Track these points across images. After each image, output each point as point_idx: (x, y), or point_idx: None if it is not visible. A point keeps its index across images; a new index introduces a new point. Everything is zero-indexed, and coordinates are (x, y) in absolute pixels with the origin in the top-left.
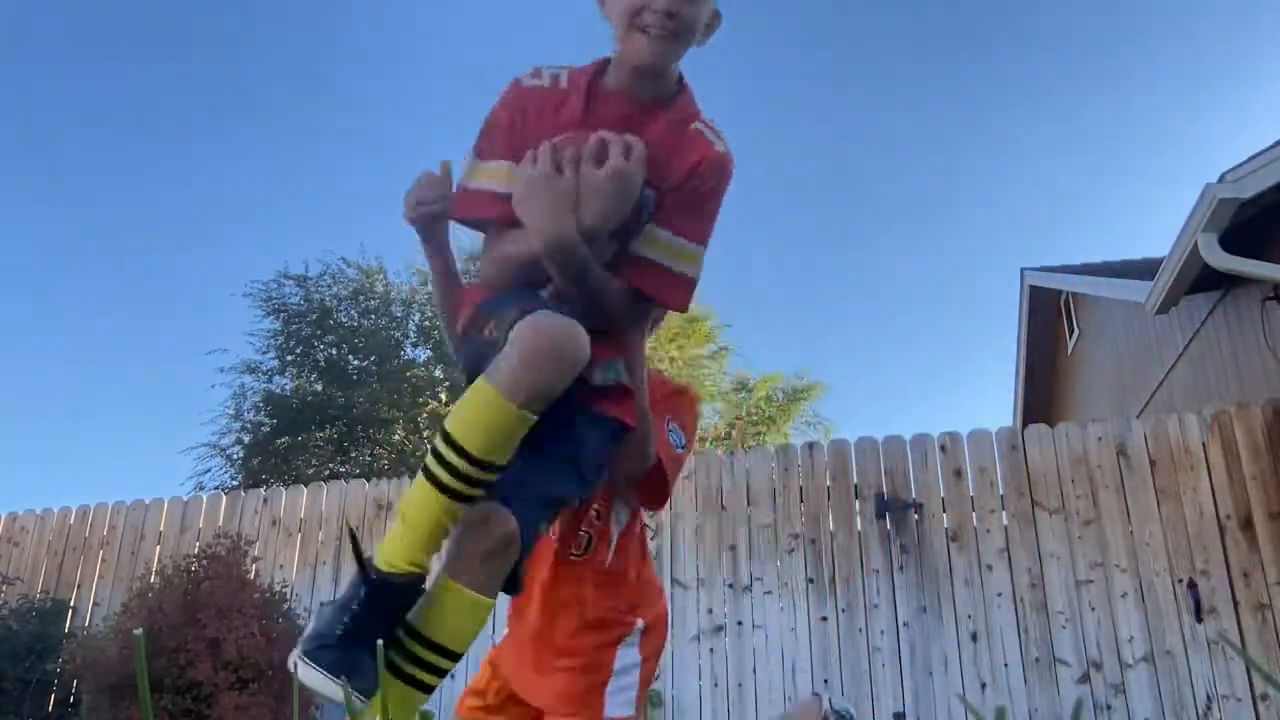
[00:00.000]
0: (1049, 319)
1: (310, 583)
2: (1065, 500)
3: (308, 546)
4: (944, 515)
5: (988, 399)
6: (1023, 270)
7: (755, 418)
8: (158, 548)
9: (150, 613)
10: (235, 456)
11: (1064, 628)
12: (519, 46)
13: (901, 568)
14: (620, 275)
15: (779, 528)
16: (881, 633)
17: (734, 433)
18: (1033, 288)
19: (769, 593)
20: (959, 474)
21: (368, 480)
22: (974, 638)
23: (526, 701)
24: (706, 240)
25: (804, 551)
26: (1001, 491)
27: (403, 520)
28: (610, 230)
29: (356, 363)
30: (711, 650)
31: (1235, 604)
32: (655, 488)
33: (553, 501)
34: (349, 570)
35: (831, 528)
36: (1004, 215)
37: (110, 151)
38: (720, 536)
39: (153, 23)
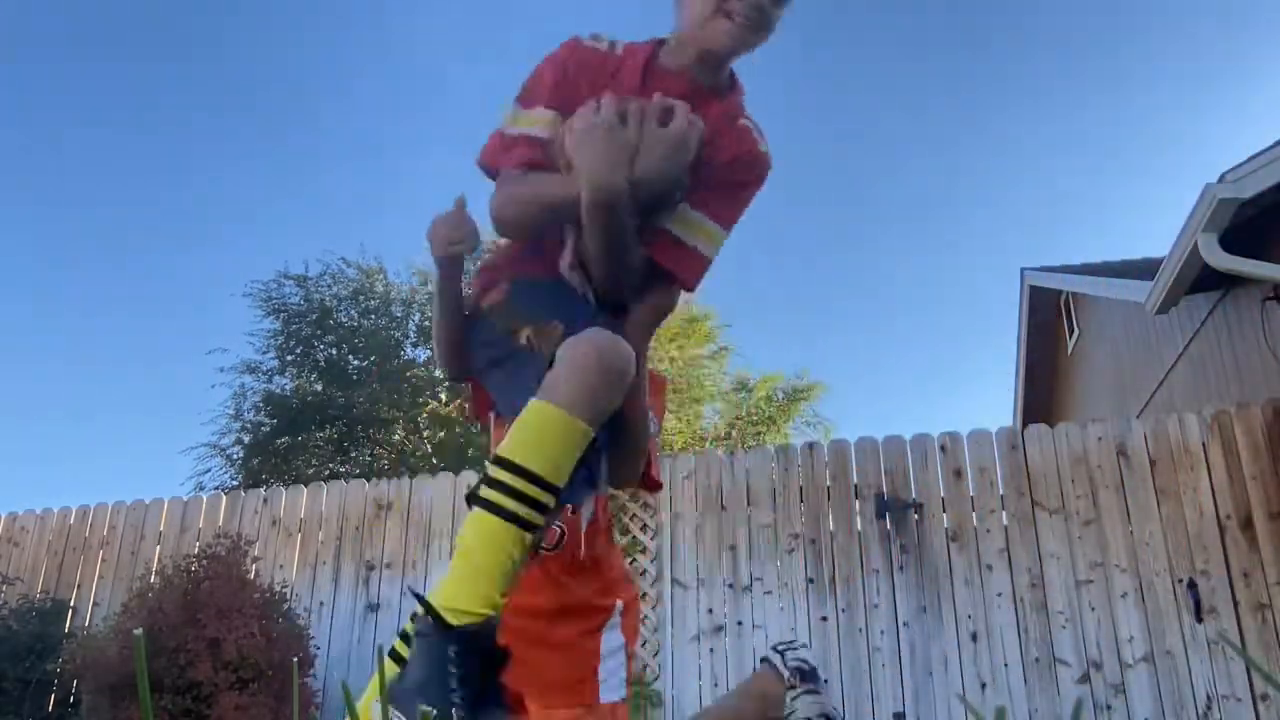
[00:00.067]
0: (1049, 319)
1: (310, 583)
2: (1065, 500)
3: (308, 546)
4: (944, 515)
5: (988, 399)
6: (1023, 270)
7: (755, 418)
8: (158, 548)
9: (150, 613)
10: (235, 456)
11: (1064, 628)
12: (519, 46)
13: (901, 568)
14: (643, 246)
15: (779, 528)
16: (881, 633)
17: (734, 433)
18: (1033, 288)
19: (769, 593)
20: (959, 474)
21: (368, 480)
22: (974, 638)
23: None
24: (730, 228)
25: (804, 551)
26: (1001, 491)
27: (467, 562)
28: (648, 196)
29: (356, 363)
30: (711, 650)
31: (1235, 604)
32: (642, 474)
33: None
34: (349, 570)
35: (831, 528)
36: (1004, 215)
37: (110, 151)
38: (720, 536)
39: (153, 23)
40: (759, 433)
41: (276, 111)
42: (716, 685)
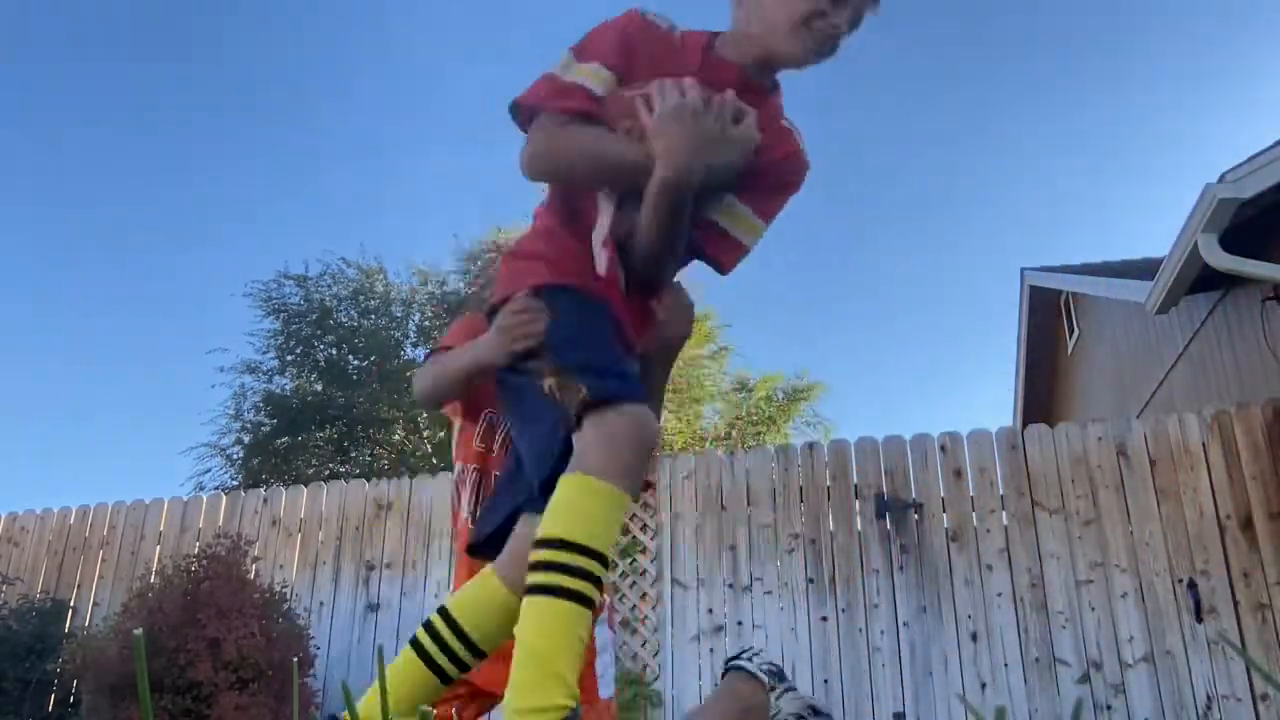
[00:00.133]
0: (1049, 319)
1: (310, 583)
2: (1065, 500)
3: (308, 546)
4: (944, 515)
5: (988, 399)
6: (1023, 270)
7: (755, 418)
8: (158, 548)
9: (150, 613)
10: (235, 456)
11: (1064, 628)
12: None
13: (901, 568)
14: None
15: (779, 528)
16: (881, 633)
17: (734, 433)
18: (1033, 288)
19: (769, 593)
20: (959, 474)
21: (368, 480)
22: (974, 638)
23: (493, 692)
24: (769, 225)
25: (804, 551)
26: (1001, 491)
27: (540, 657)
28: (707, 187)
29: (356, 363)
30: (711, 650)
31: (1235, 604)
32: None
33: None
34: (349, 570)
35: (831, 528)
36: (1004, 215)
37: (110, 151)
38: (720, 536)
39: (153, 23)
40: (759, 433)
41: (276, 111)
42: (716, 685)
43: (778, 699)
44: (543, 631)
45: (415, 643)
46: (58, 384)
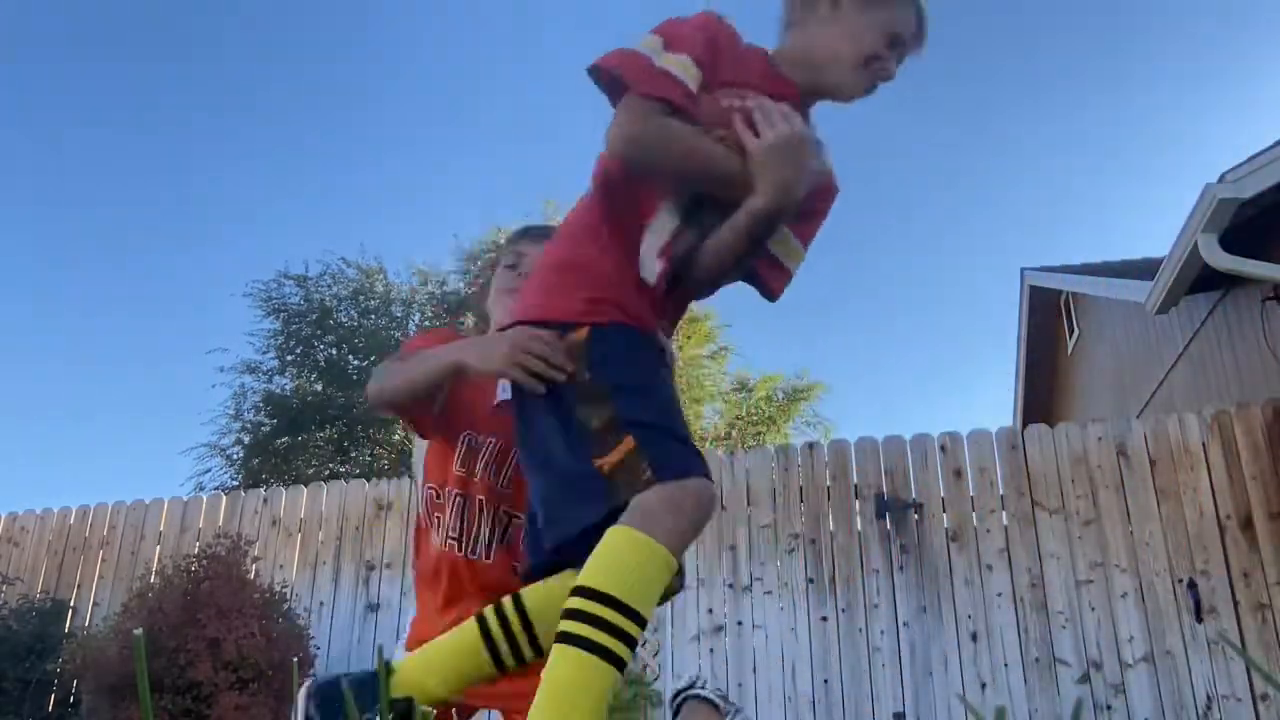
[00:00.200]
0: (1049, 319)
1: (310, 583)
2: (1065, 500)
3: (308, 546)
4: (944, 515)
5: (988, 399)
6: (1023, 270)
7: (755, 418)
8: (158, 548)
9: (150, 613)
10: (235, 457)
11: (1064, 628)
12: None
13: (901, 568)
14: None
15: (779, 528)
16: (881, 633)
17: (734, 433)
18: (1033, 288)
19: (769, 593)
20: (959, 474)
21: (368, 480)
22: (974, 638)
23: (473, 705)
24: (808, 247)
25: (804, 551)
26: (1001, 491)
27: (558, 710)
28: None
29: (356, 363)
30: (711, 650)
31: (1235, 604)
32: None
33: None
34: (349, 570)
35: (831, 528)
36: (1004, 215)
37: (110, 151)
38: (720, 536)
39: (153, 23)
40: (759, 433)
41: (276, 111)
42: (717, 685)
43: None
44: (570, 684)
45: (481, 621)
46: (58, 384)
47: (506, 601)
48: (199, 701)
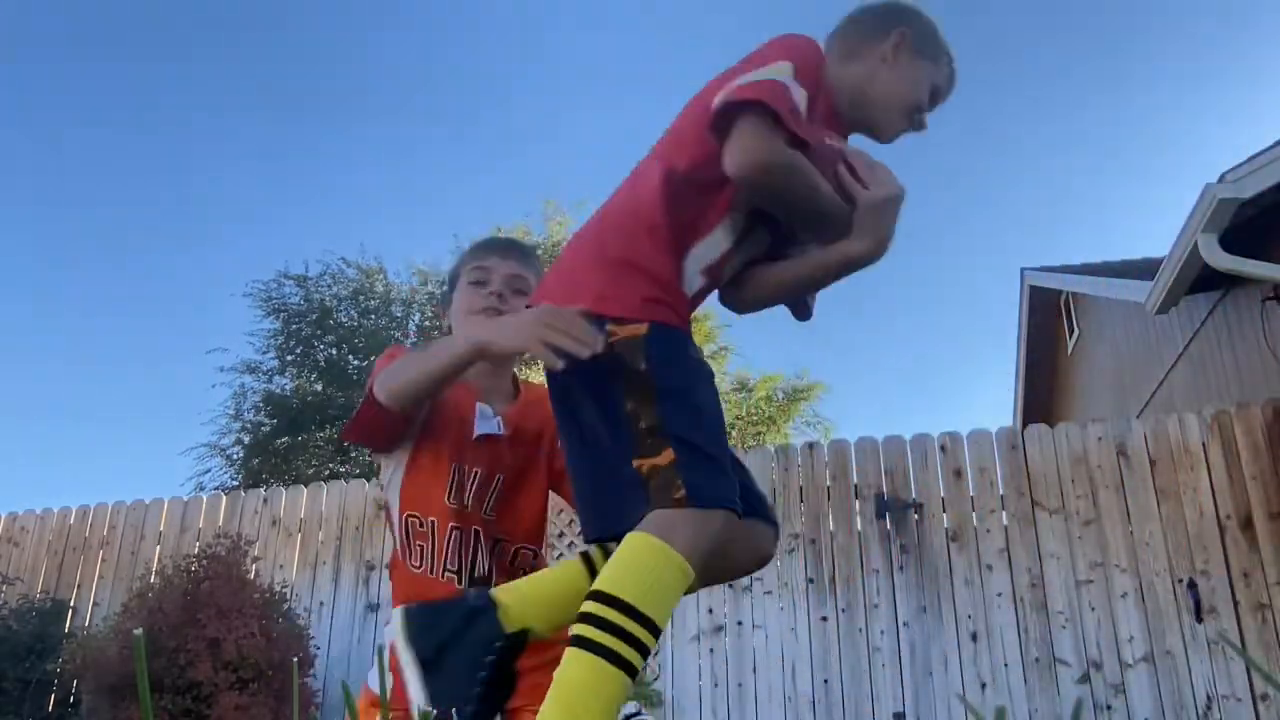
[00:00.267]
0: (1049, 319)
1: (310, 583)
2: (1065, 500)
3: (308, 546)
4: (944, 515)
5: (988, 399)
6: (1023, 270)
7: (755, 418)
8: (158, 548)
9: (150, 613)
10: (235, 457)
11: (1064, 628)
12: (517, 47)
13: (901, 568)
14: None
15: (779, 528)
16: (881, 633)
17: (734, 433)
18: (1033, 288)
19: (769, 593)
20: (959, 474)
21: (368, 480)
22: (974, 638)
23: None
24: None
25: (804, 551)
26: (1001, 491)
27: (569, 714)
28: None
29: (356, 363)
30: (711, 650)
31: (1235, 604)
32: None
33: None
34: (349, 570)
35: (831, 528)
36: (1004, 215)
37: (110, 151)
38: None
39: (153, 23)
40: (759, 433)
41: (276, 111)
42: (716, 685)
43: None
44: (581, 688)
45: (586, 558)
46: (58, 384)
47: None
48: (199, 701)
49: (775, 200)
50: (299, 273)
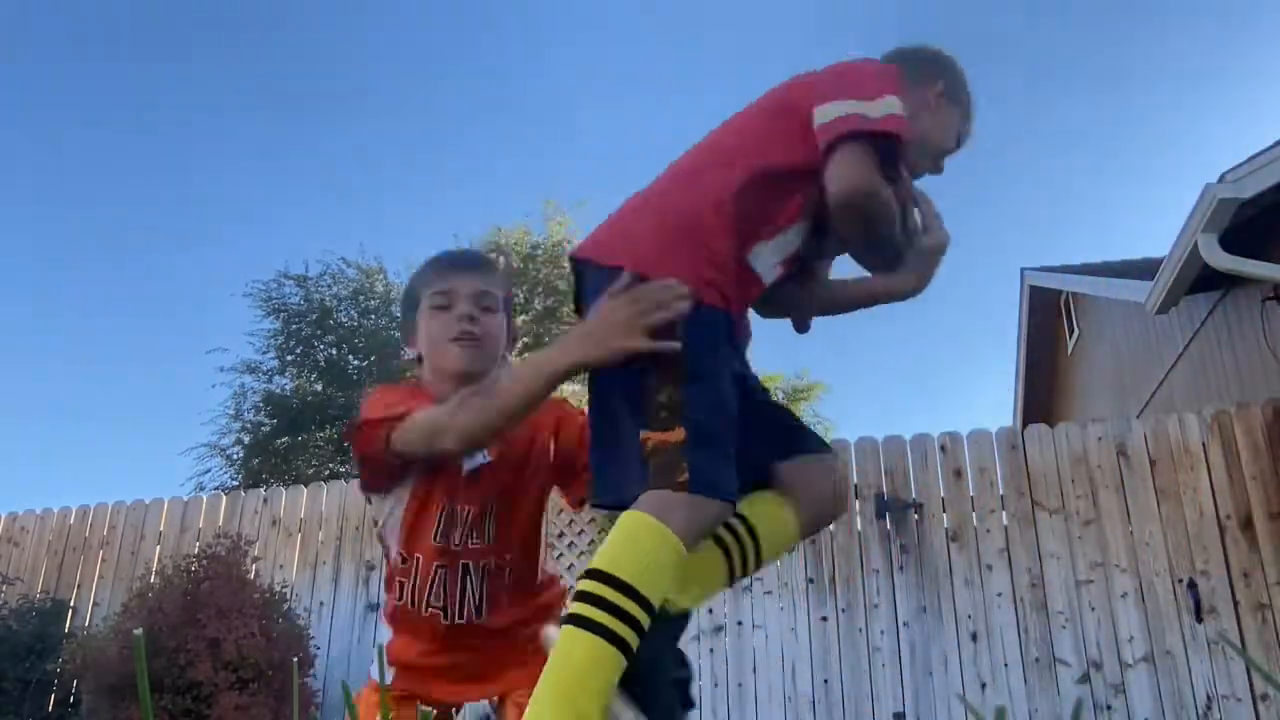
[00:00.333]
0: (1049, 319)
1: (310, 583)
2: (1065, 500)
3: (308, 546)
4: (944, 515)
5: (988, 399)
6: (1023, 270)
7: None
8: (158, 548)
9: (150, 613)
10: (235, 457)
11: (1064, 628)
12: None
13: (901, 568)
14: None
15: None
16: (881, 633)
17: None
18: (1033, 288)
19: (769, 593)
20: (959, 474)
21: None
22: (974, 638)
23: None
24: None
25: (804, 551)
26: (1001, 491)
27: (562, 694)
28: None
29: (356, 363)
30: (711, 650)
31: (1235, 604)
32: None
33: None
34: (349, 570)
35: (831, 528)
36: (1004, 215)
37: (110, 151)
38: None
39: (153, 22)
40: None
41: (277, 111)
42: (716, 685)
43: None
44: (577, 665)
45: (718, 540)
46: (58, 384)
47: (735, 523)
48: (199, 701)
49: (856, 223)
50: (299, 273)
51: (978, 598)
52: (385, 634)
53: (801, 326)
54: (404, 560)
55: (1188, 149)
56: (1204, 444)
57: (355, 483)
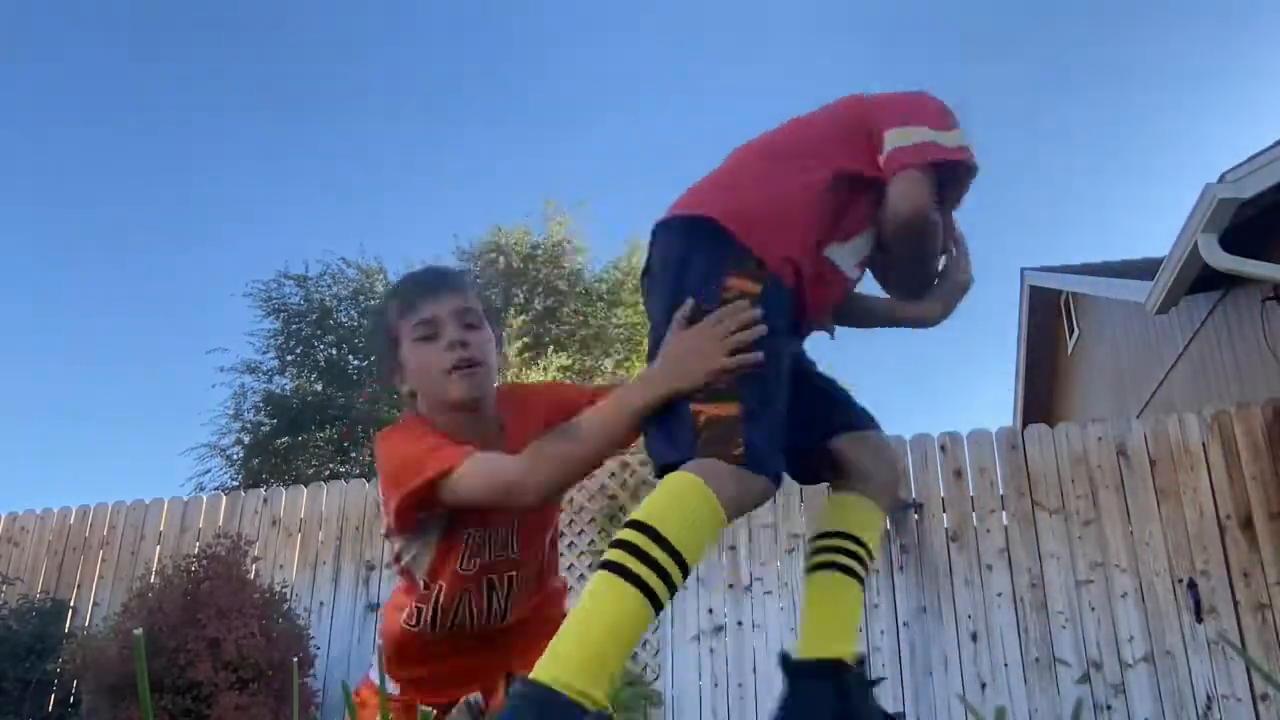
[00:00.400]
0: (1049, 319)
1: (310, 583)
2: (1065, 500)
3: (308, 546)
4: (944, 515)
5: (988, 399)
6: (1023, 270)
7: None
8: (158, 548)
9: (150, 613)
10: (235, 457)
11: (1064, 628)
12: (517, 46)
13: (901, 568)
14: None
15: (779, 528)
16: (881, 633)
17: None
18: (1033, 288)
19: (769, 593)
20: (959, 474)
21: (368, 480)
22: (974, 638)
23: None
24: None
25: (804, 551)
26: (1001, 491)
27: (585, 635)
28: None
29: (356, 363)
30: (711, 650)
31: (1235, 604)
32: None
33: None
34: (349, 570)
35: None
36: (1004, 215)
37: (110, 151)
38: (720, 536)
39: (153, 22)
40: None
41: (277, 111)
42: (716, 685)
43: None
44: (606, 613)
45: (852, 573)
46: (58, 384)
47: (841, 541)
48: (199, 701)
49: (913, 242)
50: (299, 273)
51: (978, 598)
52: (387, 631)
53: (830, 331)
54: (426, 587)
55: (1188, 149)
56: (1204, 444)
57: (355, 482)
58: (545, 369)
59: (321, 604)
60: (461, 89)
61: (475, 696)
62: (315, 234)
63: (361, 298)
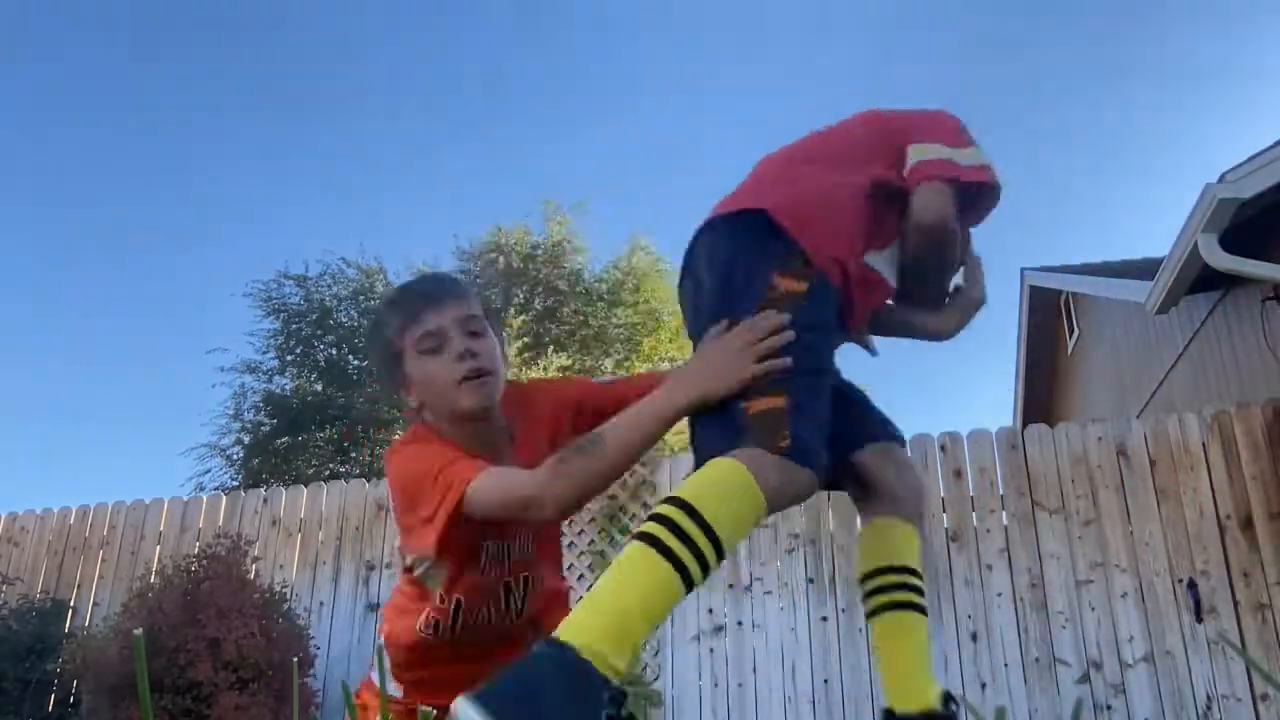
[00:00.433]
0: (1049, 319)
1: (310, 583)
2: (1065, 500)
3: (308, 546)
4: (944, 515)
5: (988, 399)
6: (1023, 270)
7: None
8: (158, 548)
9: (150, 613)
10: (235, 457)
11: (1064, 628)
12: (516, 46)
13: None
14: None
15: (779, 528)
16: None
17: None
18: (1033, 288)
19: (769, 593)
20: (959, 474)
21: (368, 480)
22: (974, 638)
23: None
24: None
25: (804, 551)
26: (1001, 491)
27: (612, 604)
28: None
29: (356, 363)
30: (711, 650)
31: (1235, 604)
32: None
33: None
34: (349, 570)
35: (831, 528)
36: (1004, 215)
37: (111, 151)
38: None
39: (152, 22)
40: None
41: (277, 111)
42: (716, 685)
43: None
44: (637, 584)
45: (917, 607)
46: (58, 384)
47: (897, 577)
48: (199, 701)
49: (935, 251)
50: (299, 273)
51: (978, 598)
52: (391, 635)
53: (872, 349)
54: (443, 600)
55: (1188, 149)
56: (1204, 444)
57: (355, 482)
58: (545, 369)
59: (321, 604)
60: (461, 89)
61: None
62: (315, 234)
63: (361, 298)
